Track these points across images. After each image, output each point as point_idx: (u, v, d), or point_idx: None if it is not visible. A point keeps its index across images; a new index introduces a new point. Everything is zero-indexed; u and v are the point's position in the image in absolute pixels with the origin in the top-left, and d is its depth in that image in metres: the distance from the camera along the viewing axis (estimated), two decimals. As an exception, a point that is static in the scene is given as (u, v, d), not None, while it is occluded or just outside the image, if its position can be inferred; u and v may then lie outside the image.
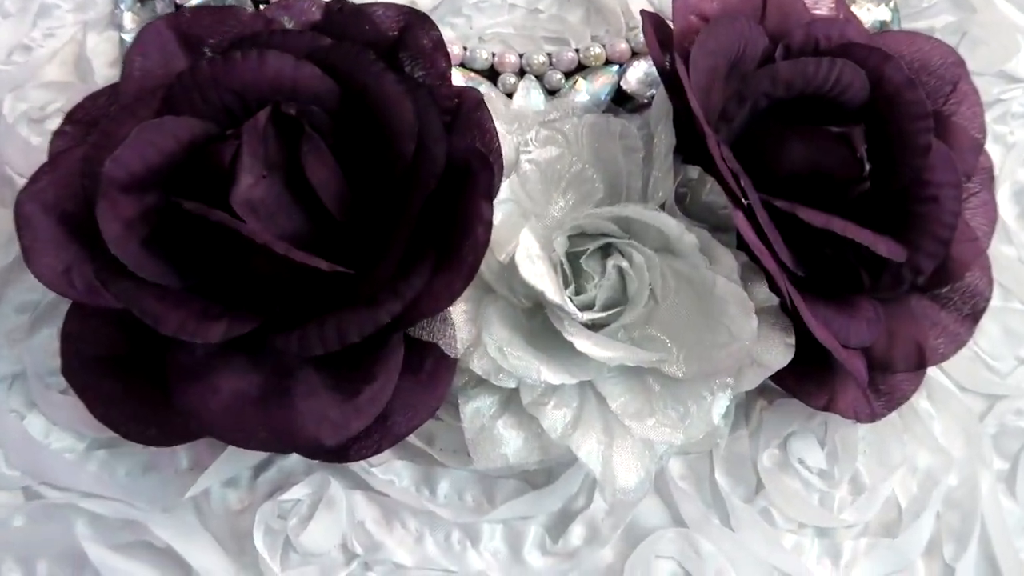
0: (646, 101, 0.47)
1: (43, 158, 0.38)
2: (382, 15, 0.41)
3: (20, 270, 0.42)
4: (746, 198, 0.35)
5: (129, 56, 0.39)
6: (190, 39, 0.41)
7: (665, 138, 0.39)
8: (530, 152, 0.41)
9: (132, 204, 0.35)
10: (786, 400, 0.43)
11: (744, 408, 0.43)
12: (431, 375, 0.37)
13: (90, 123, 0.40)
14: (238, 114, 0.37)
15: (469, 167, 0.37)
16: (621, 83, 0.47)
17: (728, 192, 0.36)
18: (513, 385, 0.38)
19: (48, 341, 0.41)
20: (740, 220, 0.35)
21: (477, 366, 0.37)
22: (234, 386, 0.35)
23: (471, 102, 0.38)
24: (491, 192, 0.35)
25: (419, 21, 0.41)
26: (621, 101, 0.48)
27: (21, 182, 0.41)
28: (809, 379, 0.40)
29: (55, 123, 0.40)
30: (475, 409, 0.39)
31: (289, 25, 0.42)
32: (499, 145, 0.38)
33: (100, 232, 0.35)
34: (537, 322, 0.41)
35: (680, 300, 0.39)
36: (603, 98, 0.47)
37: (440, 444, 0.42)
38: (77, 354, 0.38)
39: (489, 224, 0.35)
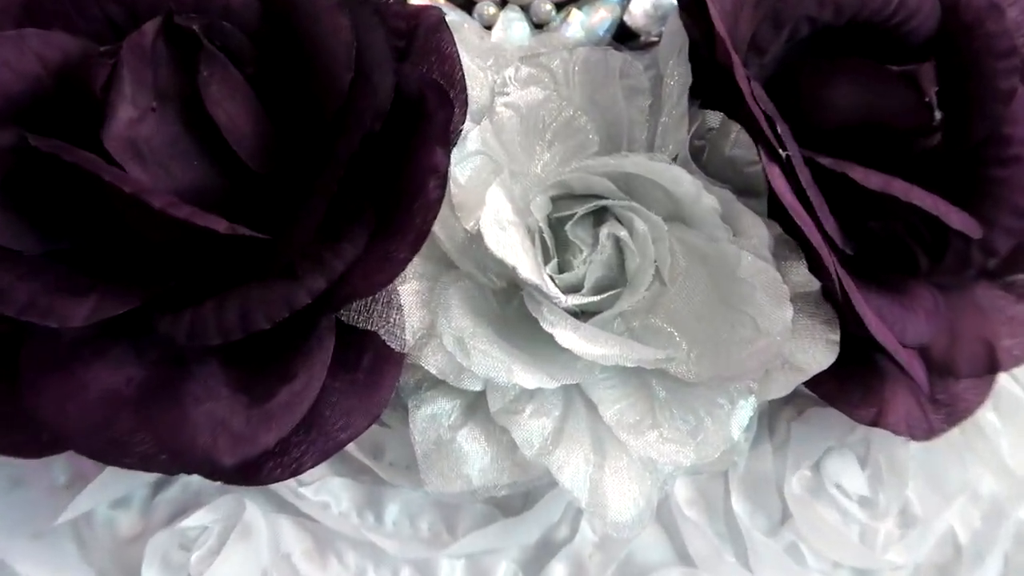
0: (654, 39, 0.39)
1: None
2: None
3: None
4: (784, 150, 0.27)
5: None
6: None
7: (678, 76, 0.31)
8: (508, 94, 0.33)
9: (-22, 141, 0.27)
10: (820, 409, 0.35)
11: (768, 418, 0.35)
12: (370, 373, 0.29)
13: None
14: (124, 27, 0.29)
15: (422, 103, 0.28)
16: (624, 16, 0.39)
17: (762, 143, 0.28)
18: (478, 388, 0.30)
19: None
20: (776, 178, 0.27)
21: (431, 363, 0.29)
22: (104, 383, 0.27)
23: (429, 22, 0.30)
24: (448, 135, 0.27)
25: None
26: (624, 39, 0.39)
27: None
28: (853, 385, 0.32)
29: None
30: (429, 416, 0.30)
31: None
32: (463, 76, 0.29)
33: None
34: (512, 308, 0.33)
35: (692, 282, 0.31)
36: (601, 34, 0.39)
37: (389, 457, 0.33)
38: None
39: (444, 176, 0.26)
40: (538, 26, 0.39)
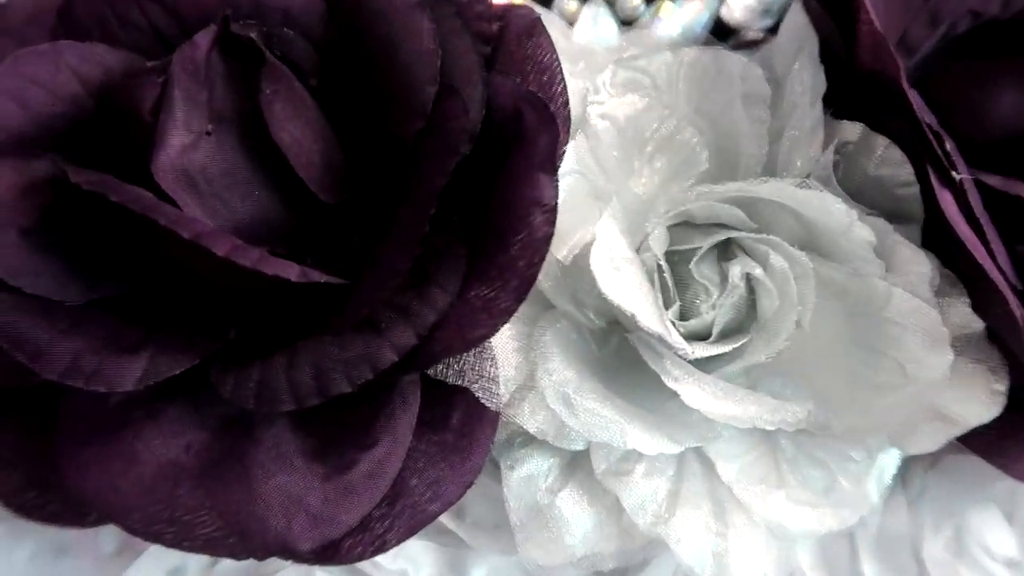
0: (755, 37, 0.34)
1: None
2: None
3: None
4: (955, 171, 0.23)
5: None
6: None
7: (808, 81, 0.27)
8: (602, 103, 0.29)
9: (11, 173, 0.23)
10: (958, 456, 0.31)
11: (901, 469, 0.31)
12: (461, 434, 0.25)
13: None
14: (169, 37, 0.25)
15: (520, 122, 0.24)
16: (721, 10, 0.34)
17: (931, 163, 0.23)
18: (581, 446, 0.26)
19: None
20: (949, 205, 0.22)
21: (530, 422, 0.25)
22: (161, 452, 0.23)
23: (520, 25, 0.26)
24: (554, 161, 0.23)
25: None
26: (720, 36, 0.35)
27: None
28: (1014, 439, 0.28)
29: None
30: (525, 478, 0.27)
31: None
32: (564, 89, 0.25)
33: None
34: (610, 349, 0.29)
35: (826, 323, 0.26)
36: (697, 31, 0.35)
37: (472, 517, 0.30)
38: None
39: (552, 210, 0.23)
40: (626, 22, 0.35)
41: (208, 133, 0.24)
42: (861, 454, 0.27)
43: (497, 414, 0.26)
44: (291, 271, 0.22)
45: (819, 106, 0.26)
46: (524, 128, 0.24)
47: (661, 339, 0.24)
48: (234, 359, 0.24)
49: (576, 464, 0.27)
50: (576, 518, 0.27)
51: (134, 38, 0.25)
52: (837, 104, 0.27)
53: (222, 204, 0.24)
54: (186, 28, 0.25)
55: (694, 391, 0.23)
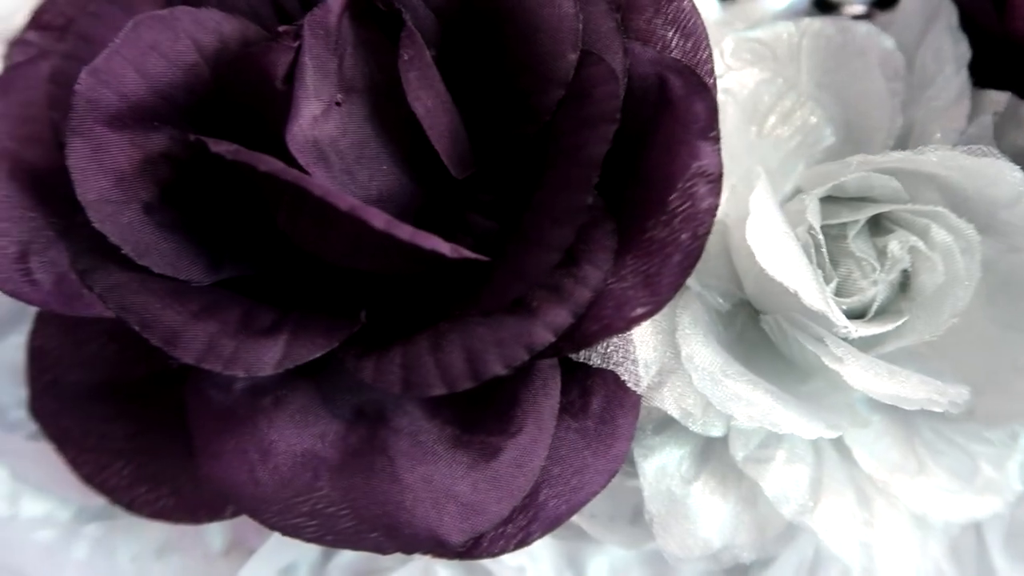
0: (858, 12, 0.33)
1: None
2: None
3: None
4: None
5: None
6: None
7: (950, 49, 0.26)
8: (720, 76, 0.28)
9: (129, 147, 0.22)
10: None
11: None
12: (602, 420, 0.24)
13: (67, 28, 0.27)
14: (288, 7, 0.24)
15: (665, 91, 0.23)
16: (822, -16, 0.33)
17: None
18: (720, 433, 0.25)
19: (16, 354, 0.28)
20: None
21: (672, 405, 0.24)
22: (295, 442, 0.22)
23: (660, -13, 0.25)
24: (715, 127, 0.22)
25: None
26: (822, 8, 0.34)
27: None
28: None
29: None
30: (660, 467, 0.25)
31: None
32: (710, 56, 0.24)
33: (76, 193, 0.22)
34: (735, 332, 0.27)
35: (974, 301, 0.25)
36: (801, 5, 0.34)
37: (591, 508, 0.28)
38: (53, 383, 0.25)
39: (717, 180, 0.21)
40: (726, -3, 0.34)
41: (338, 104, 0.23)
42: (1001, 437, 0.26)
43: (638, 399, 0.24)
44: (443, 246, 0.20)
45: (964, 74, 0.25)
46: (671, 96, 0.23)
47: (821, 318, 0.23)
48: (368, 343, 0.22)
49: (709, 452, 0.26)
50: (711, 508, 0.25)
51: (250, 3, 0.24)
52: (982, 72, 0.26)
53: (351, 179, 0.23)
54: (304, -5, 0.24)
55: (858, 372, 0.22)
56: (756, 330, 0.28)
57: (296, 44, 0.21)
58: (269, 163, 0.19)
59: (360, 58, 0.23)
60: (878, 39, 0.27)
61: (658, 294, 0.21)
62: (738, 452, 0.25)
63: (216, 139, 0.21)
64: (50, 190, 0.23)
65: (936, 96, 0.26)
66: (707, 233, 0.21)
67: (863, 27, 0.28)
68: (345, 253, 0.22)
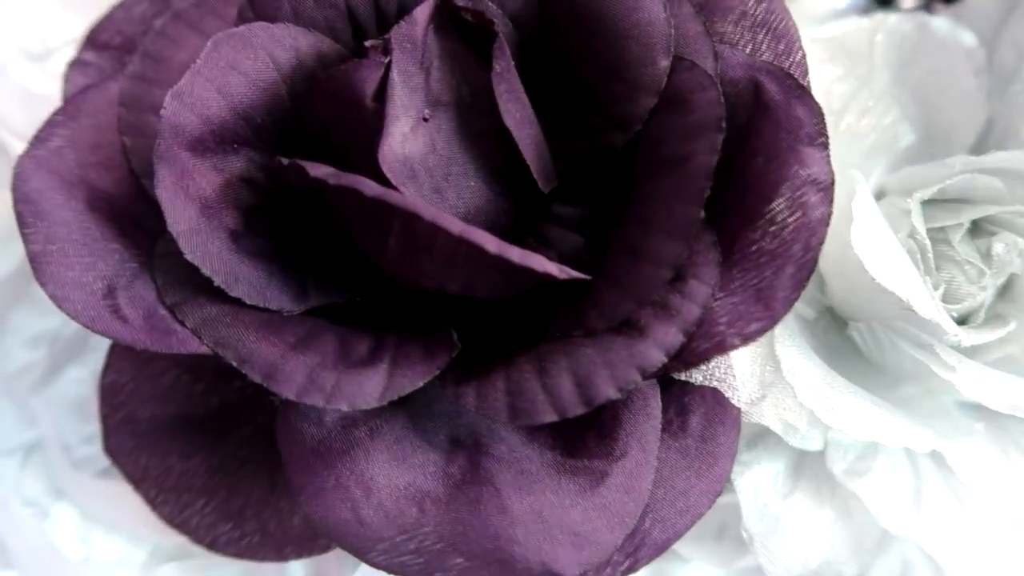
0: (914, 5, 0.33)
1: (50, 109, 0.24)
2: None
3: (29, 281, 0.28)
4: None
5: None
6: None
7: (1039, 43, 0.25)
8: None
9: (212, 172, 0.21)
10: None
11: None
12: (703, 439, 0.23)
13: (126, 47, 0.26)
14: (362, 20, 0.23)
15: (760, 96, 0.22)
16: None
17: None
18: (819, 447, 0.24)
19: (76, 389, 0.27)
20: None
21: (774, 420, 0.23)
22: (397, 477, 0.21)
23: (746, -11, 0.24)
24: (824, 133, 0.21)
25: None
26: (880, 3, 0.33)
27: (19, 148, 0.28)
28: None
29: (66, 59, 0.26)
30: (755, 485, 0.25)
31: None
32: (803, 58, 0.23)
33: (163, 222, 0.21)
34: (818, 339, 0.27)
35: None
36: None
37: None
38: (127, 419, 0.24)
39: (829, 188, 0.21)
40: (784, -7, 0.33)
41: (425, 119, 0.22)
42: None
43: (739, 414, 0.24)
44: (552, 267, 0.19)
45: (1054, 70, 0.25)
46: (768, 101, 0.22)
47: (929, 326, 0.22)
48: (464, 366, 0.22)
49: (802, 466, 0.25)
50: (808, 524, 0.25)
51: (325, 16, 0.23)
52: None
53: (439, 197, 0.22)
54: (379, 8, 0.23)
55: (972, 380, 0.21)
56: (840, 337, 0.27)
57: (386, 60, 0.20)
58: (374, 188, 0.18)
59: (447, 71, 0.22)
60: (958, 34, 0.26)
61: (772, 309, 0.20)
62: (836, 465, 0.24)
63: (311, 162, 0.20)
64: (128, 218, 0.22)
65: (1021, 91, 0.25)
66: (820, 244, 0.20)
67: (941, 22, 0.27)
68: (440, 275, 0.21)
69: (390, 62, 0.21)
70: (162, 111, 0.20)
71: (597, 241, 0.23)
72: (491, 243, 0.18)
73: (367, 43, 0.21)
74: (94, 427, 0.25)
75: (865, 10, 0.32)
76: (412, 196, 0.19)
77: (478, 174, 0.22)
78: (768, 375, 0.23)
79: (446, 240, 0.19)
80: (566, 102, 0.24)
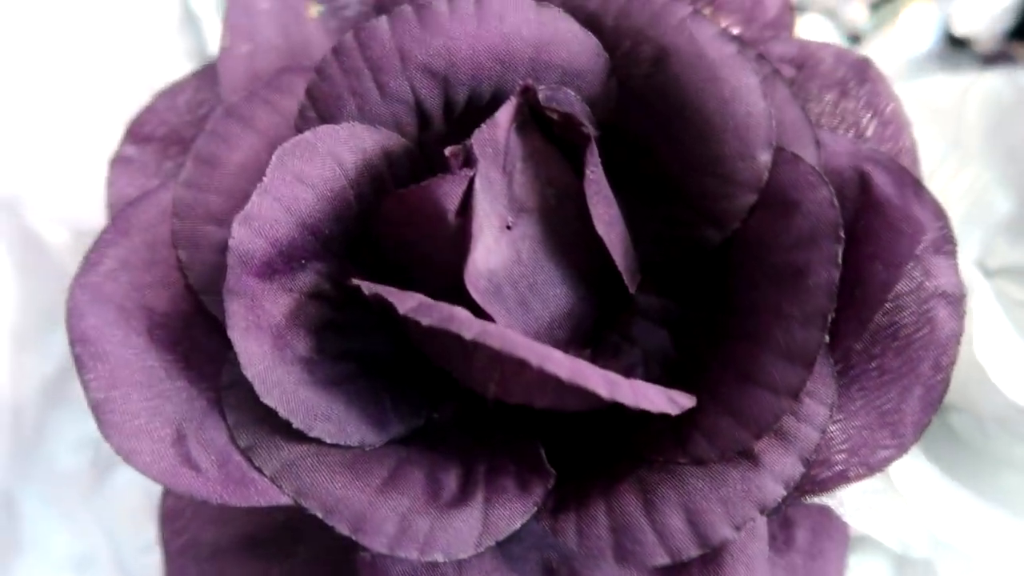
0: (992, 48, 0.31)
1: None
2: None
3: (69, 383, 0.26)
4: None
5: (231, 14, 0.23)
6: None
7: None
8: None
9: (280, 295, 0.19)
10: None
11: None
12: (811, 555, 0.21)
13: (170, 139, 0.24)
14: (430, 111, 0.21)
15: (872, 190, 0.21)
16: (951, 17, 0.31)
17: None
18: (927, 554, 0.23)
19: (126, 494, 0.26)
20: None
21: (884, 529, 0.22)
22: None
23: (846, 69, 0.22)
24: (952, 239, 0.19)
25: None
26: (954, 44, 0.32)
27: (52, 238, 0.26)
28: None
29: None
30: (860, 589, 0.23)
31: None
32: (914, 144, 0.21)
33: (224, 340, 0.19)
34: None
35: None
36: (930, 45, 0.31)
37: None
38: (189, 543, 0.22)
39: (959, 301, 0.19)
40: (854, 38, 0.31)
41: (509, 227, 0.20)
42: None
43: (846, 527, 0.22)
44: (659, 400, 0.18)
45: None
46: (878, 197, 0.20)
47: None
48: (559, 490, 0.20)
49: (905, 568, 0.24)
50: (915, 628, 0.24)
51: (392, 111, 0.21)
52: None
53: (525, 309, 0.20)
54: (448, 98, 0.21)
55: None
56: (938, 421, 0.25)
57: (470, 173, 0.19)
58: (473, 328, 0.17)
59: (530, 174, 0.20)
60: (1062, 95, 0.25)
61: (900, 435, 0.19)
62: (945, 572, 0.23)
63: (394, 289, 0.18)
64: (188, 342, 0.20)
65: None
66: (952, 363, 0.19)
67: (1042, 81, 0.25)
68: (529, 396, 0.20)
69: (471, 173, 0.19)
70: (230, 240, 0.18)
71: (688, 340, 0.22)
72: (604, 388, 0.17)
73: (447, 151, 0.19)
74: (148, 535, 0.24)
75: (942, 56, 0.31)
76: (514, 336, 0.17)
77: (563, 280, 0.21)
78: (875, 481, 0.22)
79: (553, 380, 0.17)
80: (649, 189, 0.22)
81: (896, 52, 0.31)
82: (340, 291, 0.21)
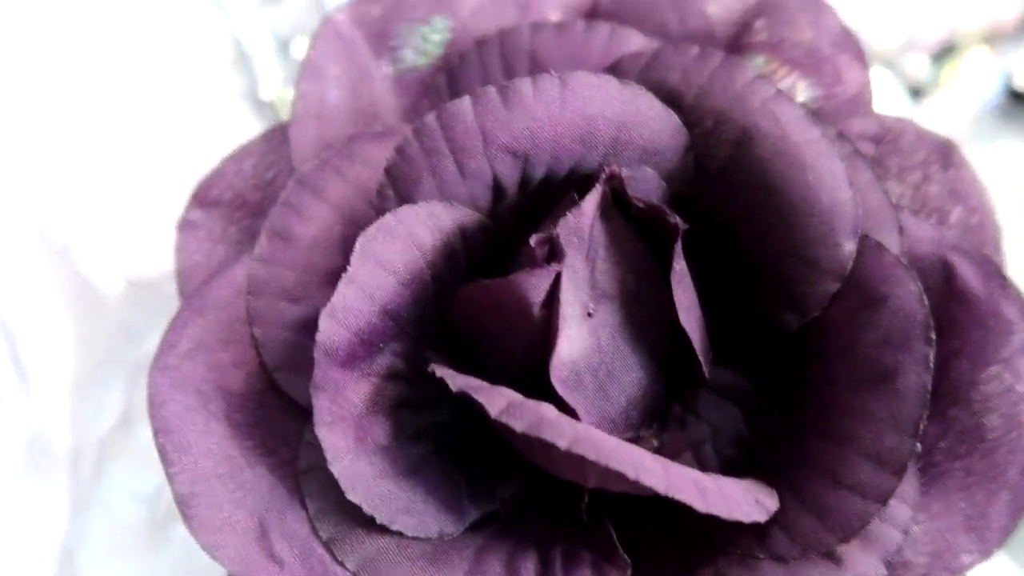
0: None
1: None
2: (718, -12, 0.24)
3: (128, 434, 0.26)
4: None
5: (303, 81, 0.23)
6: (379, 38, 0.24)
7: None
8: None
9: (360, 382, 0.19)
10: None
11: None
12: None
13: (236, 203, 0.23)
14: (505, 183, 0.21)
15: (956, 282, 0.20)
16: (1013, 71, 0.31)
17: None
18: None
19: (184, 548, 0.26)
20: None
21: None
22: None
23: (928, 151, 0.22)
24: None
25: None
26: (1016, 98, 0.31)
27: (107, 288, 0.26)
28: None
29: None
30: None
31: (555, 16, 0.25)
32: (999, 234, 0.21)
33: (298, 419, 0.19)
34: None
35: None
36: (992, 99, 0.31)
37: None
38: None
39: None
40: (915, 92, 0.31)
41: (590, 314, 0.20)
42: None
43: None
44: (755, 513, 0.18)
45: None
46: (964, 290, 0.20)
47: None
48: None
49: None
50: None
51: (470, 189, 0.21)
52: None
53: (603, 395, 0.20)
54: (526, 175, 0.21)
55: None
56: None
57: (557, 269, 0.18)
58: (567, 435, 0.16)
59: (612, 261, 0.20)
60: None
61: (985, 540, 0.18)
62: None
63: (484, 384, 0.18)
64: (265, 424, 0.20)
65: None
66: (1038, 467, 0.19)
67: None
68: (606, 484, 0.20)
69: (557, 268, 0.18)
70: (317, 335, 0.18)
71: (760, 420, 0.21)
72: (699, 502, 0.17)
73: (532, 241, 0.19)
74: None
75: (1005, 111, 0.30)
76: (609, 443, 0.17)
77: (639, 363, 0.20)
78: None
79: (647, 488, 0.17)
80: (726, 265, 0.22)
81: (959, 106, 0.31)
82: (413, 368, 0.21)
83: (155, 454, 0.19)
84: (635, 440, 0.21)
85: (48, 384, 0.27)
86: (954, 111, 0.30)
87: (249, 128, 0.30)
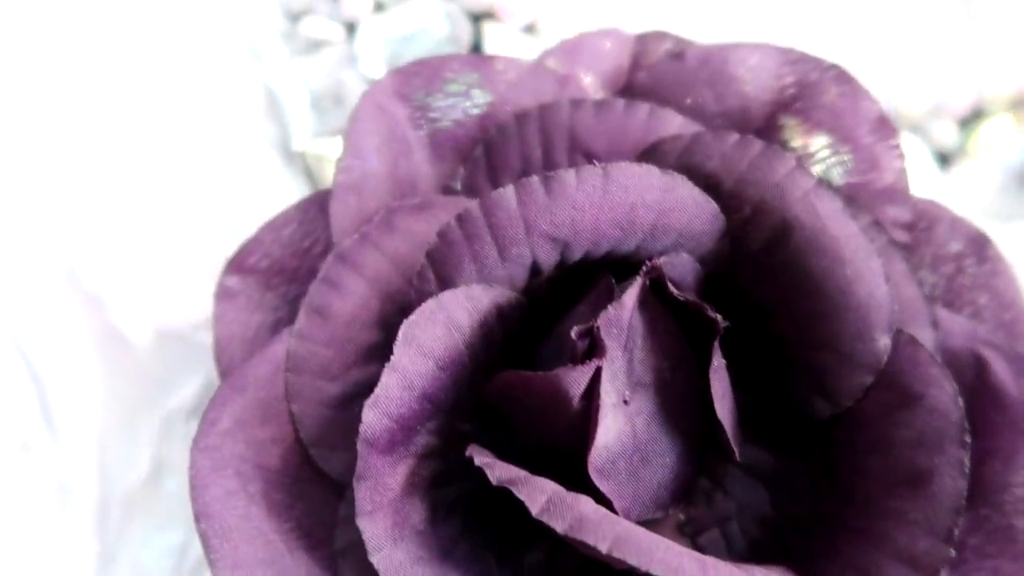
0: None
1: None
2: (757, 67, 0.24)
3: (156, 488, 0.26)
4: None
5: (345, 155, 0.23)
6: (419, 110, 0.24)
7: None
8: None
9: (397, 465, 0.19)
10: None
11: None
12: None
13: (273, 270, 0.24)
14: (543, 266, 0.21)
15: (988, 378, 0.20)
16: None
17: None
18: None
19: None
20: None
21: None
22: None
23: (965, 244, 0.22)
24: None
25: (818, 72, 0.24)
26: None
27: (136, 338, 0.26)
28: None
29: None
30: None
31: (592, 88, 0.25)
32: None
33: (329, 492, 0.20)
34: None
35: None
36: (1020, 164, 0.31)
37: None
38: None
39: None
40: (944, 158, 0.31)
41: (626, 402, 0.20)
42: None
43: None
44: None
45: None
46: (997, 390, 0.20)
47: None
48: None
49: None
50: None
51: (509, 272, 0.21)
52: None
53: (634, 480, 0.20)
54: (565, 256, 0.21)
55: None
56: None
57: (598, 364, 0.19)
58: (606, 541, 0.17)
59: (649, 350, 0.20)
60: None
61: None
62: None
63: (524, 474, 0.18)
64: (302, 501, 0.20)
65: None
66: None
67: None
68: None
69: (598, 362, 0.19)
70: (360, 426, 0.18)
71: (786, 502, 0.22)
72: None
73: (573, 333, 0.19)
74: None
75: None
76: (651, 544, 0.17)
77: (672, 448, 0.21)
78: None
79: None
80: (759, 349, 0.22)
81: (986, 175, 0.31)
82: (446, 443, 0.21)
83: (182, 507, 0.20)
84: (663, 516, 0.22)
85: (76, 433, 0.27)
86: (980, 178, 0.31)
87: (279, 178, 0.30)
